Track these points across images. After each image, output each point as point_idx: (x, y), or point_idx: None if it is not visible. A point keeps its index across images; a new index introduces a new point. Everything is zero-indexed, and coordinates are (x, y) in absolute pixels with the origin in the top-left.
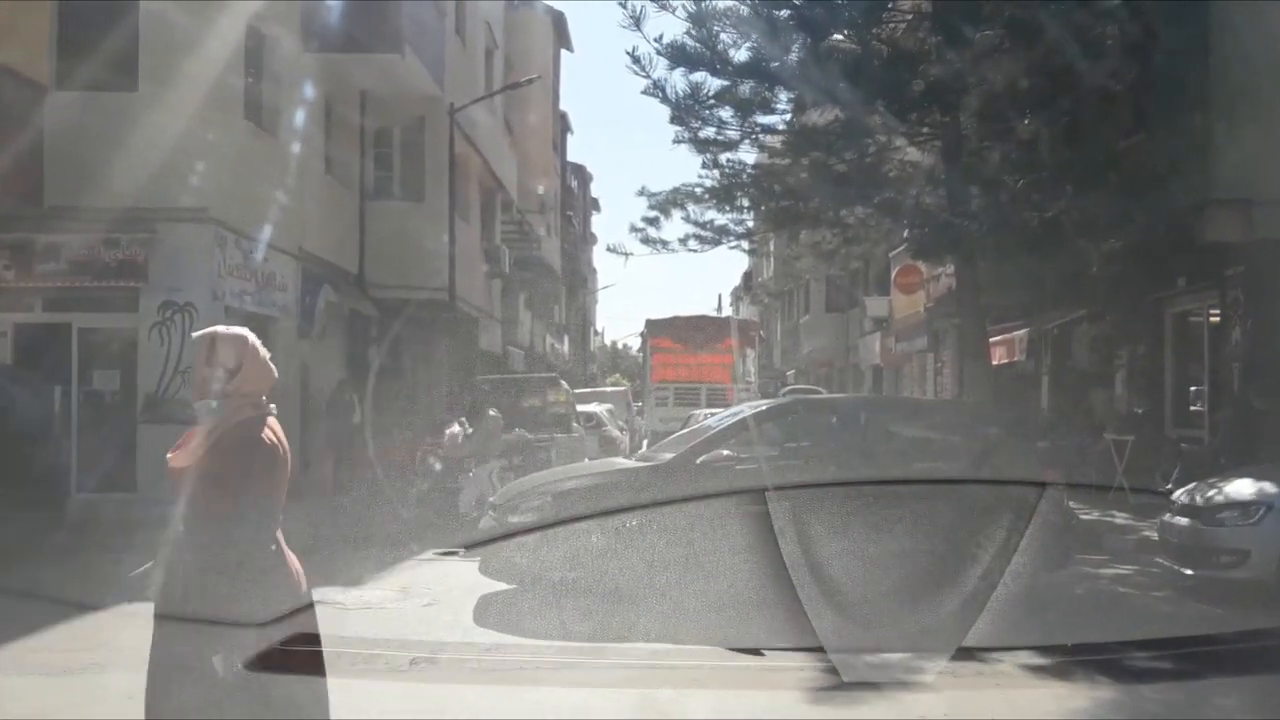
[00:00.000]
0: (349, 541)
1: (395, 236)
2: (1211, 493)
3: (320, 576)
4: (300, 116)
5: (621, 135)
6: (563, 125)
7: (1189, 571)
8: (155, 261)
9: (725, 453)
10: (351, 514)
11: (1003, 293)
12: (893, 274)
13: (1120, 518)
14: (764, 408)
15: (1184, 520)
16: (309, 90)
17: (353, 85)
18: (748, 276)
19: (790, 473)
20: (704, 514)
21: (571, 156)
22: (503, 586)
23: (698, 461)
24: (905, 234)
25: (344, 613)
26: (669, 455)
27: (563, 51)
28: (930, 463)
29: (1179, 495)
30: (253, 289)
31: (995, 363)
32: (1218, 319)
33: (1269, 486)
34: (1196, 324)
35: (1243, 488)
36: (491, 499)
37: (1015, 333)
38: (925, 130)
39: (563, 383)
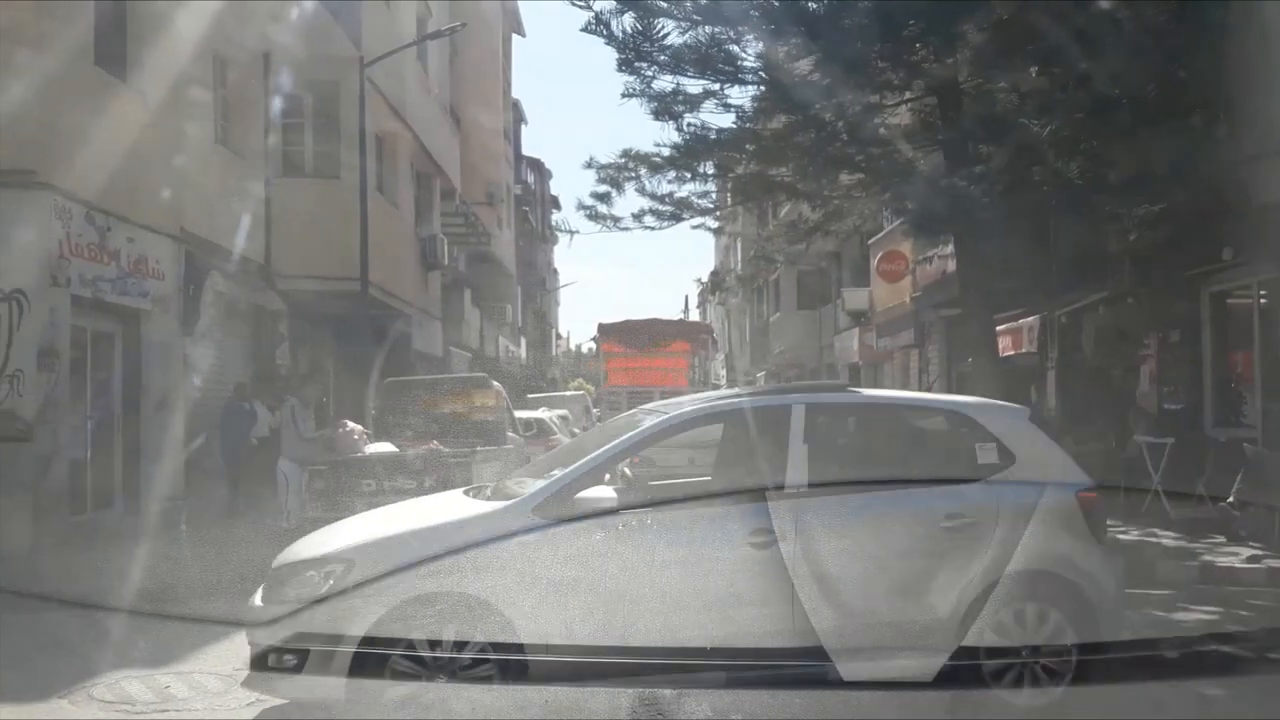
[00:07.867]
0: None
1: (307, 219)
2: None
3: (114, 655)
4: (176, 72)
5: (587, 136)
6: (516, 114)
7: None
8: None
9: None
10: (209, 555)
11: (1002, 276)
12: (874, 261)
13: (1166, 538)
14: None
15: None
16: (188, 41)
17: (252, 43)
18: (715, 275)
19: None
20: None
21: (531, 153)
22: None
23: (577, 497)
24: (894, 207)
25: None
26: (536, 486)
27: (515, 37)
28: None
29: None
30: (114, 275)
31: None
32: (1267, 299)
33: None
34: (1241, 305)
35: None
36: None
37: (1022, 320)
38: (922, 75)
39: (495, 384)
